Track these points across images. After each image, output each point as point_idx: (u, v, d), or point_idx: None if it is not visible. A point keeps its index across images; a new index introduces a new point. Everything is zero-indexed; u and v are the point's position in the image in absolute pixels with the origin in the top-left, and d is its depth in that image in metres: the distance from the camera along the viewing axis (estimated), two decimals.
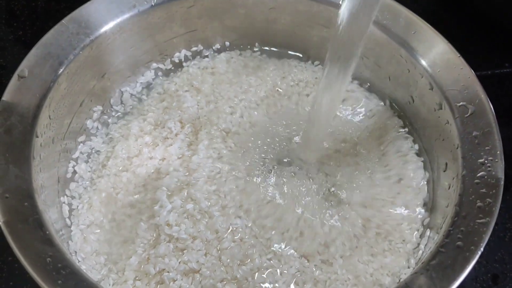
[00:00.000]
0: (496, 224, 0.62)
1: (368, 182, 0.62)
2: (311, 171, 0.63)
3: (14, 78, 0.56)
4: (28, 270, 0.44)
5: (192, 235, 0.56)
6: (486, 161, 0.53)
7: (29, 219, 0.47)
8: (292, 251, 0.57)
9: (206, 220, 0.57)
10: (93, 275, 0.51)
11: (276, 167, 0.63)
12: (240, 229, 0.57)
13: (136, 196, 0.60)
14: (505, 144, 0.54)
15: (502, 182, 0.51)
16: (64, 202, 0.58)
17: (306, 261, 0.56)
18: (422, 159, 0.64)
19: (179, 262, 0.54)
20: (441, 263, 0.46)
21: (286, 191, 0.61)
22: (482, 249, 0.47)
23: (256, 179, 0.62)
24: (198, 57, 0.74)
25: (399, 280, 0.54)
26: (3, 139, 0.52)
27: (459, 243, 0.48)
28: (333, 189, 0.62)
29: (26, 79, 0.56)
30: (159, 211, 0.57)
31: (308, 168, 0.63)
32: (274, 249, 0.57)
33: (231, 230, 0.57)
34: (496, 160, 0.52)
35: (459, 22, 0.84)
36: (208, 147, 0.63)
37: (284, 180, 0.62)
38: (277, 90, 0.70)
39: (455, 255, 0.47)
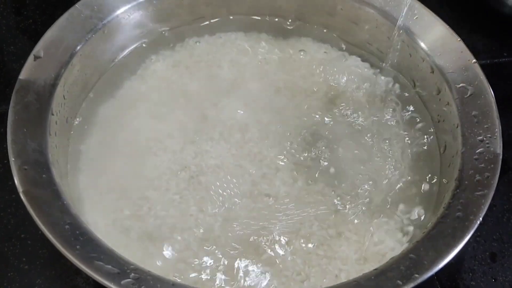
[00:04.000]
0: (494, 205, 0.64)
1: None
2: None
3: (30, 58, 0.57)
4: (47, 235, 0.45)
5: None
6: (485, 139, 0.54)
7: (47, 189, 0.49)
8: None
9: None
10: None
11: None
12: None
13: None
14: (503, 131, 0.56)
15: (501, 157, 0.52)
16: (76, 179, 0.59)
17: None
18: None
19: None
20: (441, 232, 0.48)
21: None
22: (481, 219, 0.48)
23: None
24: (206, 41, 0.74)
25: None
26: (21, 115, 0.53)
27: (459, 213, 0.49)
28: None
29: (41, 59, 0.58)
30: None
31: None
32: None
33: None
34: (495, 137, 0.54)
35: (458, 12, 0.85)
36: None
37: None
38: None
39: (455, 224, 0.48)
